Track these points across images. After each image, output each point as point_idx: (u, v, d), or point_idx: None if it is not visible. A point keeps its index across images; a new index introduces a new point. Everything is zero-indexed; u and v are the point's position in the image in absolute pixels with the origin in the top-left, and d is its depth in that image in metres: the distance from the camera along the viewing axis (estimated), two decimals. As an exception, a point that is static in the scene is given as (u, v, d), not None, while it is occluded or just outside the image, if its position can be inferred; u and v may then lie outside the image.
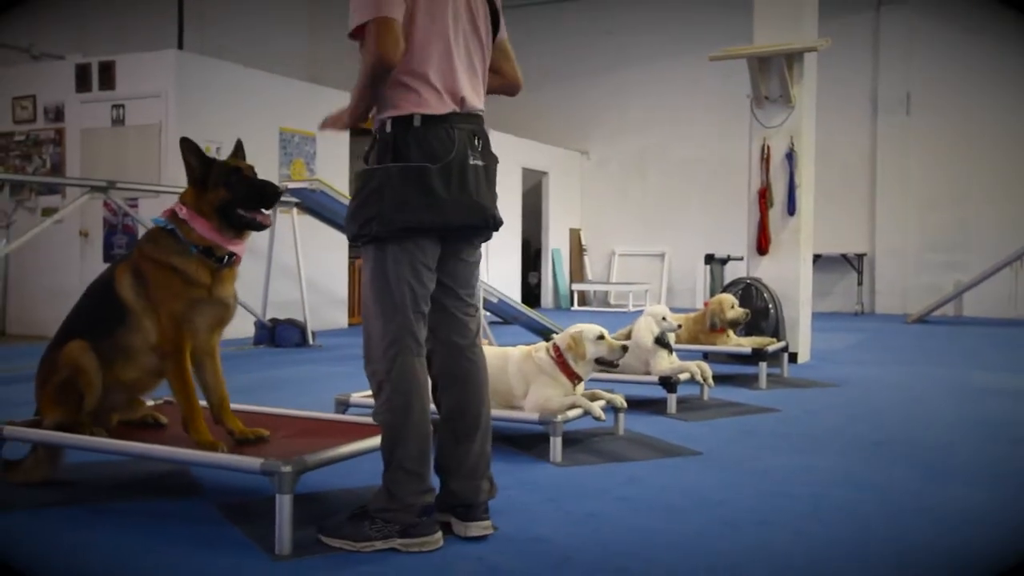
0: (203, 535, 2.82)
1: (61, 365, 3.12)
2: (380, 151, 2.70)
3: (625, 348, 4.10)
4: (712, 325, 6.26)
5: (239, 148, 3.21)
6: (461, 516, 2.80)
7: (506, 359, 4.18)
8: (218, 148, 9.50)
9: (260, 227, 3.02)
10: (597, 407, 3.99)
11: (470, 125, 2.74)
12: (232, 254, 3.03)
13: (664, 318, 5.18)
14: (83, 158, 9.43)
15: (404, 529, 2.64)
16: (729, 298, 6.41)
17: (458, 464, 2.82)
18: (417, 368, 2.71)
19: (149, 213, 8.93)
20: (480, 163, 2.73)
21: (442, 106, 2.68)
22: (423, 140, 2.64)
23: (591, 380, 4.39)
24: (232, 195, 2.96)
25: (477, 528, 2.78)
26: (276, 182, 4.95)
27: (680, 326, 5.28)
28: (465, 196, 2.68)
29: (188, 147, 2.99)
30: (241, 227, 3.02)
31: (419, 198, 2.62)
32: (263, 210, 3.02)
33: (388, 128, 2.68)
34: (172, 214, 3.04)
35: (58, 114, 9.58)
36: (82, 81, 9.44)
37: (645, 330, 5.12)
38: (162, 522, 2.97)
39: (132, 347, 3.06)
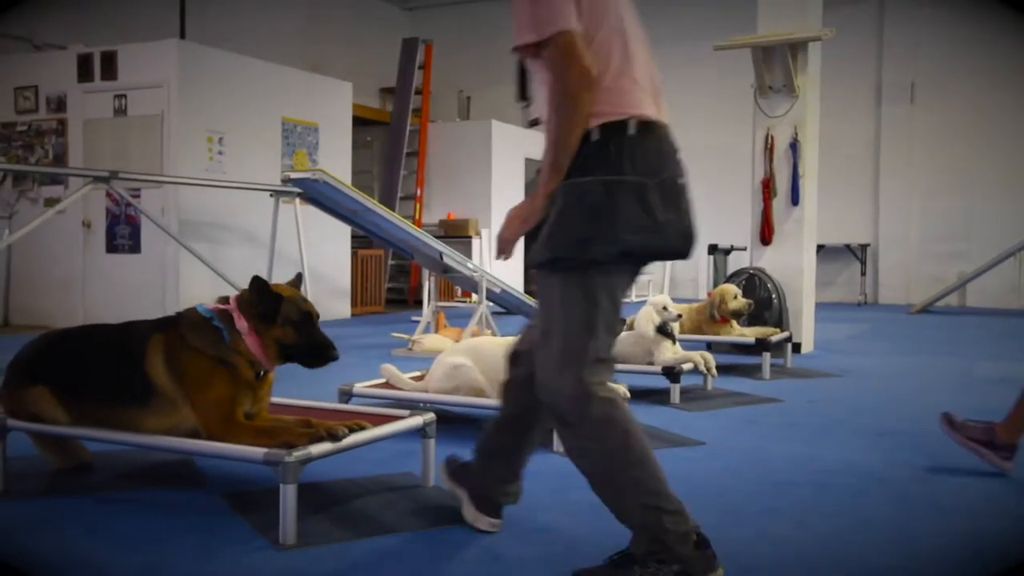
0: (207, 525, 2.83)
1: (23, 403, 3.10)
2: (587, 163, 2.25)
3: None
4: (711, 315, 6.26)
5: (299, 280, 3.23)
6: (481, 506, 2.78)
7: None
8: (220, 138, 9.50)
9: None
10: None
11: (671, 135, 2.42)
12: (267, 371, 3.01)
13: (665, 308, 5.17)
14: (85, 148, 9.42)
15: (682, 569, 2.26)
16: (732, 288, 6.40)
17: (511, 463, 2.78)
18: (619, 401, 2.36)
19: (151, 203, 8.95)
20: (685, 182, 2.42)
21: (654, 110, 2.37)
22: (638, 150, 2.27)
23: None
24: (299, 342, 2.95)
25: (486, 523, 2.77)
26: (281, 177, 4.83)
27: (681, 316, 5.27)
28: (679, 219, 2.33)
29: (254, 283, 2.93)
30: (292, 360, 3.00)
31: (640, 219, 2.24)
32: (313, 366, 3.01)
33: (596, 136, 2.26)
34: (223, 314, 2.96)
35: (60, 104, 9.57)
36: (84, 71, 9.42)
37: (646, 320, 5.13)
38: (166, 512, 2.97)
39: (139, 425, 2.96)
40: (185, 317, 3.01)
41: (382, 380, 4.43)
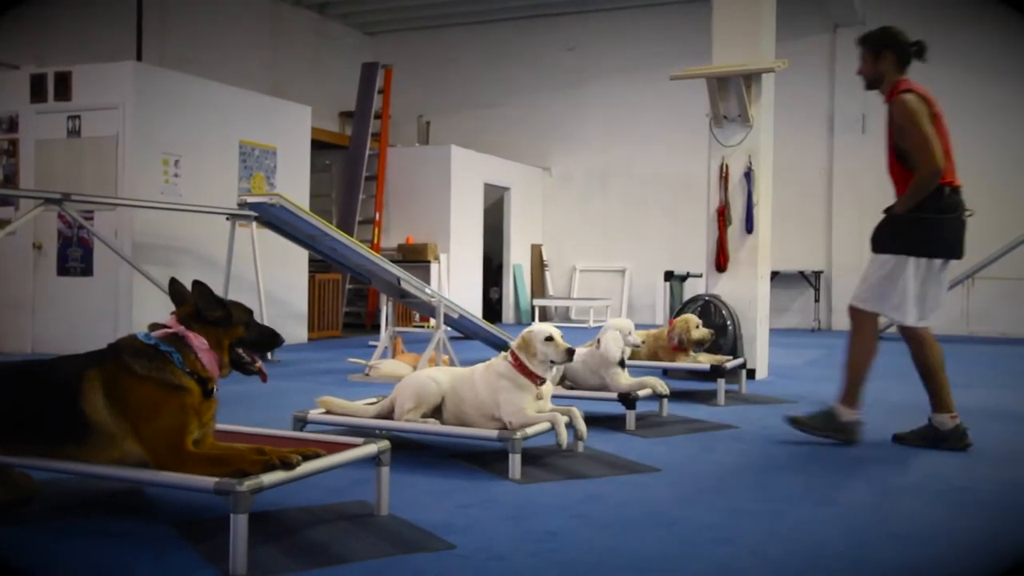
0: (156, 555, 2.77)
1: None
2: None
3: (571, 352, 4.11)
4: (680, 343, 6.29)
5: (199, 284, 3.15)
6: None
7: (472, 376, 4.20)
8: (176, 160, 9.41)
9: (256, 373, 3.07)
10: (564, 434, 4.00)
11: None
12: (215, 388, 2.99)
13: (630, 333, 5.19)
14: (37, 169, 9.27)
15: None
16: (694, 319, 6.44)
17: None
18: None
19: (105, 226, 8.82)
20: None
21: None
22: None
23: (555, 397, 4.40)
24: (249, 335, 3.03)
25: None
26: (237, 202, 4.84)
27: (644, 342, 5.29)
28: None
29: (202, 290, 2.96)
30: (239, 367, 3.04)
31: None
32: (263, 358, 3.16)
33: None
34: (171, 337, 2.90)
35: (12, 124, 9.41)
36: (37, 91, 9.28)
37: (613, 344, 5.12)
38: (114, 542, 2.91)
39: (84, 460, 2.88)
40: (125, 346, 2.91)
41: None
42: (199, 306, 2.95)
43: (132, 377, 2.85)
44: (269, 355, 3.09)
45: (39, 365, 3.08)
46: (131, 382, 2.84)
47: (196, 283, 2.96)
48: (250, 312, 3.08)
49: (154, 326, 2.97)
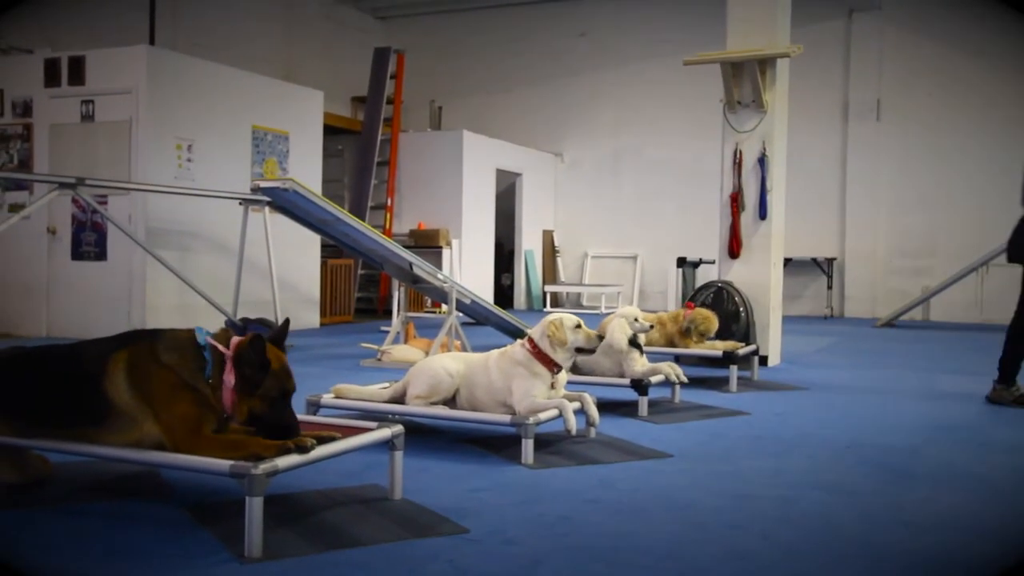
0: (172, 537, 2.79)
1: None
2: None
3: (601, 337, 4.14)
4: (687, 331, 6.31)
5: (287, 327, 3.12)
6: None
7: (487, 362, 4.20)
8: (189, 145, 9.43)
9: (284, 439, 2.89)
10: (573, 420, 4.00)
11: None
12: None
13: (636, 319, 5.20)
14: (51, 154, 9.30)
15: None
16: (712, 321, 6.40)
17: None
18: None
19: (118, 210, 8.86)
20: None
21: None
22: None
23: (568, 383, 4.41)
24: (268, 418, 2.88)
25: None
26: (251, 188, 4.82)
27: (652, 326, 5.29)
28: None
29: (253, 344, 2.83)
30: (260, 428, 2.92)
31: None
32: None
33: None
34: (217, 353, 2.87)
35: (26, 109, 9.45)
36: (51, 76, 9.31)
37: (619, 332, 5.14)
38: (130, 524, 2.93)
39: (100, 441, 2.91)
40: (169, 335, 2.94)
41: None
42: (241, 354, 2.86)
43: (157, 364, 2.86)
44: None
45: (68, 347, 3.10)
46: (155, 369, 2.86)
47: (255, 336, 2.86)
48: (284, 395, 2.90)
49: (222, 332, 2.95)
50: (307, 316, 10.92)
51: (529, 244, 15.58)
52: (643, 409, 5.06)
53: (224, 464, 2.65)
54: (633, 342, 5.18)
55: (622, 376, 5.16)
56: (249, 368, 2.85)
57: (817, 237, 14.23)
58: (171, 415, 2.84)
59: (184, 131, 9.40)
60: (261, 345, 2.85)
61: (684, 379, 5.31)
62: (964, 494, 3.51)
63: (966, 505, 3.36)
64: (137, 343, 2.94)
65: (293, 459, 2.74)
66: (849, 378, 6.97)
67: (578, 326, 4.11)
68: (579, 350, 4.14)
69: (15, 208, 9.11)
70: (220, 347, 2.89)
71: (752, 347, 6.83)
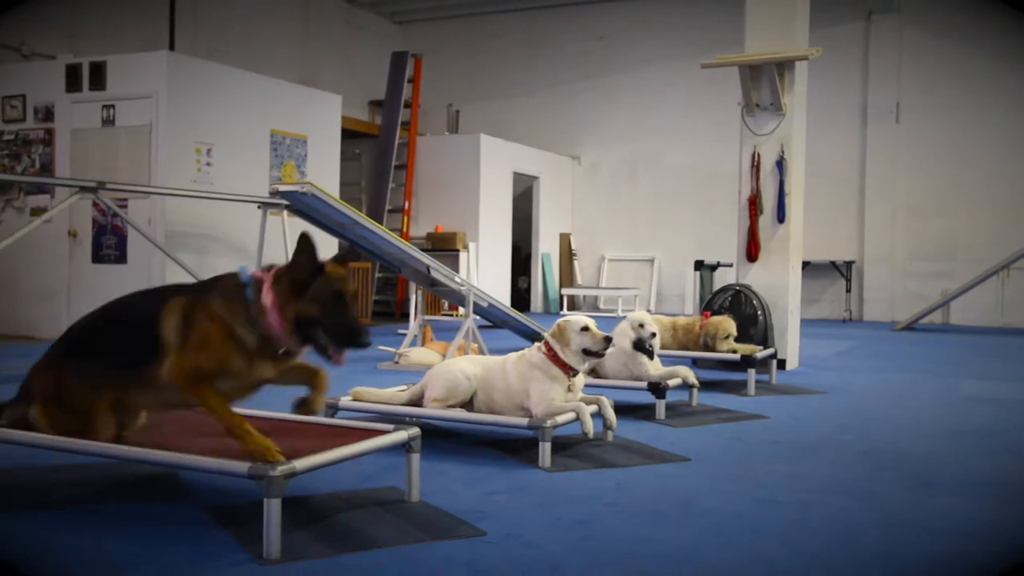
0: (190, 538, 2.81)
1: (74, 398, 3.03)
2: None
3: (609, 339, 4.11)
4: (705, 345, 6.34)
5: (350, 254, 3.02)
6: None
7: (504, 365, 4.20)
8: (209, 149, 9.49)
9: (324, 355, 2.79)
10: (590, 423, 3.99)
11: None
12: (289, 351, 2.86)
13: (642, 324, 5.17)
14: (73, 158, 9.39)
15: None
16: (727, 327, 6.38)
17: None
18: None
19: (138, 213, 8.92)
20: None
21: None
22: None
23: (586, 386, 4.40)
24: (322, 319, 2.74)
25: None
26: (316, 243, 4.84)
27: (655, 334, 5.23)
28: None
29: (305, 246, 2.75)
30: (308, 341, 2.81)
31: None
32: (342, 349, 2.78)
33: None
34: (258, 283, 2.81)
35: (48, 114, 9.54)
36: (72, 81, 9.40)
37: (622, 335, 5.14)
38: (148, 525, 2.95)
39: (155, 381, 2.93)
40: (221, 283, 2.90)
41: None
42: (291, 257, 2.77)
43: (206, 312, 2.84)
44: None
45: (138, 295, 3.17)
46: (203, 315, 2.84)
47: (303, 237, 2.77)
48: (338, 296, 2.76)
49: (266, 267, 2.90)
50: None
51: (546, 247, 15.58)
52: (660, 412, 5.05)
53: (242, 466, 2.66)
54: (640, 347, 5.15)
55: (638, 379, 5.15)
56: (292, 269, 2.75)
57: (835, 240, 14.16)
58: (189, 350, 2.82)
59: (203, 135, 9.46)
60: (308, 242, 2.77)
61: (695, 382, 5.28)
62: (983, 501, 3.47)
63: (988, 512, 3.33)
64: (199, 291, 2.94)
65: (311, 461, 2.75)
66: (868, 382, 6.92)
67: (585, 328, 4.10)
68: (587, 352, 4.11)
69: (37, 212, 9.20)
70: (259, 274, 2.84)
71: (770, 350, 6.80)
